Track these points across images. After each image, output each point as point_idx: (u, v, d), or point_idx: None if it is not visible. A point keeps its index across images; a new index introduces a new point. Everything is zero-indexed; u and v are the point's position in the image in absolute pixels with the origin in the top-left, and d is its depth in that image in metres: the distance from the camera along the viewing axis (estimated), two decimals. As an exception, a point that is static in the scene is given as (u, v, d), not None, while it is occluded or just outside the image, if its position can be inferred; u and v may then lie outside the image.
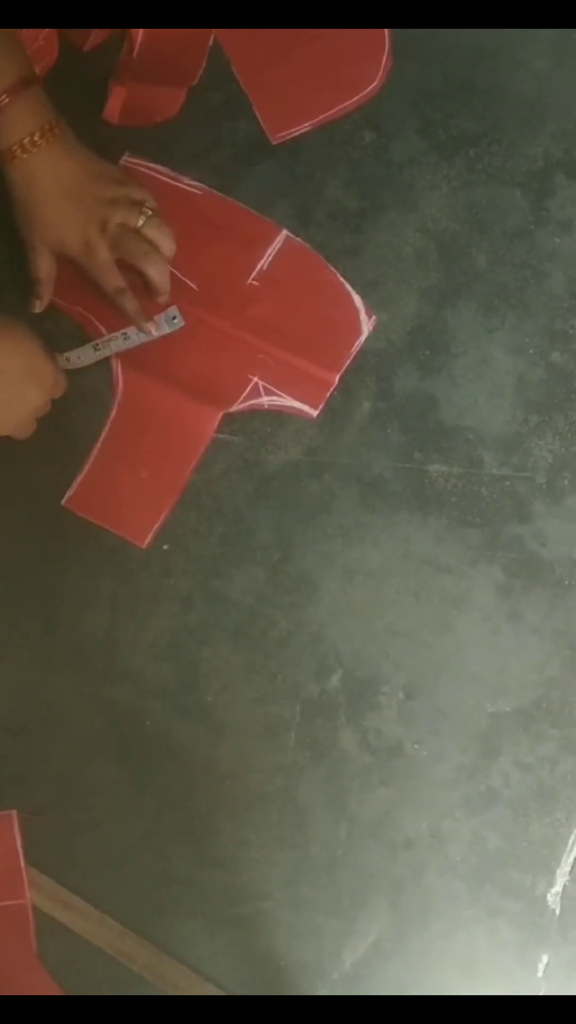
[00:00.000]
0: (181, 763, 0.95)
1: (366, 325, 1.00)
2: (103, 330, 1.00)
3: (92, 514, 0.98)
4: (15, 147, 0.89)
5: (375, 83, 1.03)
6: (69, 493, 0.99)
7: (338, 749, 0.95)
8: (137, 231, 0.95)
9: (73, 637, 0.97)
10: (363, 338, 0.99)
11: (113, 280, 0.96)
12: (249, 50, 1.04)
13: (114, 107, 1.03)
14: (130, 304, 0.96)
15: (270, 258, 1.01)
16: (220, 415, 0.99)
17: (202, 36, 1.04)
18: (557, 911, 0.92)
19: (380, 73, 1.03)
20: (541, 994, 0.92)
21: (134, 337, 0.98)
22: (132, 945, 0.93)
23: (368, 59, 1.04)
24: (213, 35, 1.04)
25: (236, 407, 0.99)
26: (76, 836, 0.95)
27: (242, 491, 0.99)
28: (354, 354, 0.99)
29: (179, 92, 1.04)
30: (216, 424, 0.99)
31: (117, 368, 0.99)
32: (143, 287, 0.97)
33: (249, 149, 1.03)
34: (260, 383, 0.99)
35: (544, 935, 0.92)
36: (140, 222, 0.95)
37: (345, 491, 0.98)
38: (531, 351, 0.99)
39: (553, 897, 0.92)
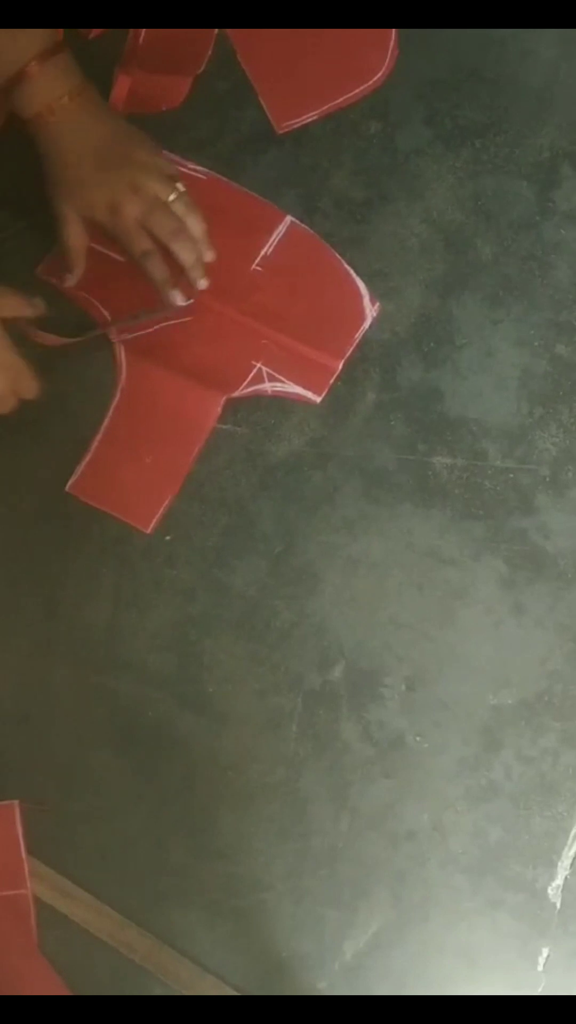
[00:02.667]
0: (183, 754, 0.95)
1: (370, 311, 0.99)
2: (108, 316, 0.99)
3: (96, 500, 0.98)
4: (44, 111, 0.88)
5: (381, 72, 1.03)
6: (72, 479, 0.98)
7: (340, 741, 0.95)
8: (167, 205, 0.92)
9: (75, 627, 0.97)
10: (367, 324, 0.99)
11: (141, 243, 0.93)
12: (255, 39, 1.04)
13: (119, 95, 1.02)
14: (157, 269, 0.93)
15: (274, 244, 1.00)
16: (223, 400, 0.98)
17: (207, 24, 1.03)
18: (558, 904, 0.92)
19: (386, 63, 1.03)
20: (541, 987, 0.92)
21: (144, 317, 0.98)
22: (132, 935, 0.93)
23: (374, 48, 1.03)
24: (219, 23, 1.04)
25: (239, 392, 0.98)
26: (77, 826, 0.95)
27: (245, 482, 0.99)
28: (358, 340, 0.99)
29: (184, 81, 1.04)
30: (220, 409, 0.99)
31: (120, 354, 0.99)
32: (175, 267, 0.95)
33: (254, 138, 1.03)
34: (264, 369, 0.99)
35: (545, 928, 0.92)
36: (171, 196, 0.92)
37: (348, 482, 0.98)
38: (536, 343, 0.99)
39: (554, 890, 0.92)
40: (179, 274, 0.95)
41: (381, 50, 1.03)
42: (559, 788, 0.93)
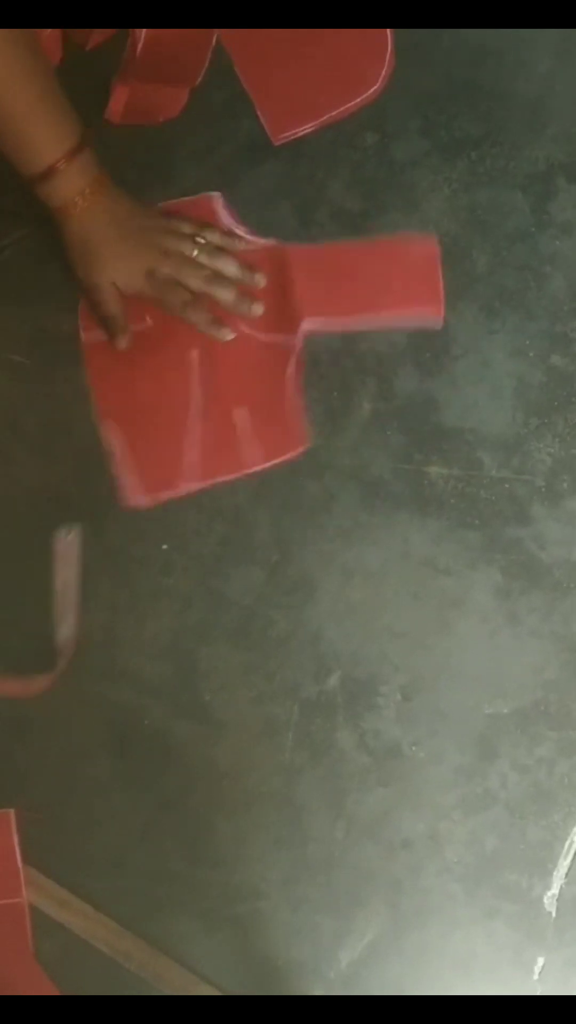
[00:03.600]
0: (179, 762, 0.95)
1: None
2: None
3: None
4: (68, 204, 0.92)
5: (378, 84, 1.03)
6: None
7: (336, 749, 0.95)
8: (193, 260, 0.97)
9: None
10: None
11: (179, 295, 0.97)
12: (251, 50, 1.04)
13: (116, 107, 1.03)
14: (198, 315, 0.97)
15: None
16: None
17: (205, 36, 1.03)
18: (553, 913, 0.92)
19: (383, 74, 1.03)
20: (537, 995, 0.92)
21: None
22: (129, 944, 0.93)
23: (371, 60, 1.04)
24: (216, 35, 1.04)
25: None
26: (73, 835, 0.95)
27: (242, 491, 0.99)
28: None
29: (181, 92, 1.04)
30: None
31: None
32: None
33: (251, 149, 1.03)
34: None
35: (540, 937, 0.92)
36: (195, 251, 0.97)
37: (345, 492, 0.98)
38: (531, 354, 0.99)
39: (549, 899, 0.93)
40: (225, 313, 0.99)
41: (378, 62, 1.03)
42: (555, 797, 0.94)
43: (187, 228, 0.98)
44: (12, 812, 0.94)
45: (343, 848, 0.94)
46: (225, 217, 1.02)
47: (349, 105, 1.03)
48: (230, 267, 0.98)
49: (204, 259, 0.97)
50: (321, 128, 1.03)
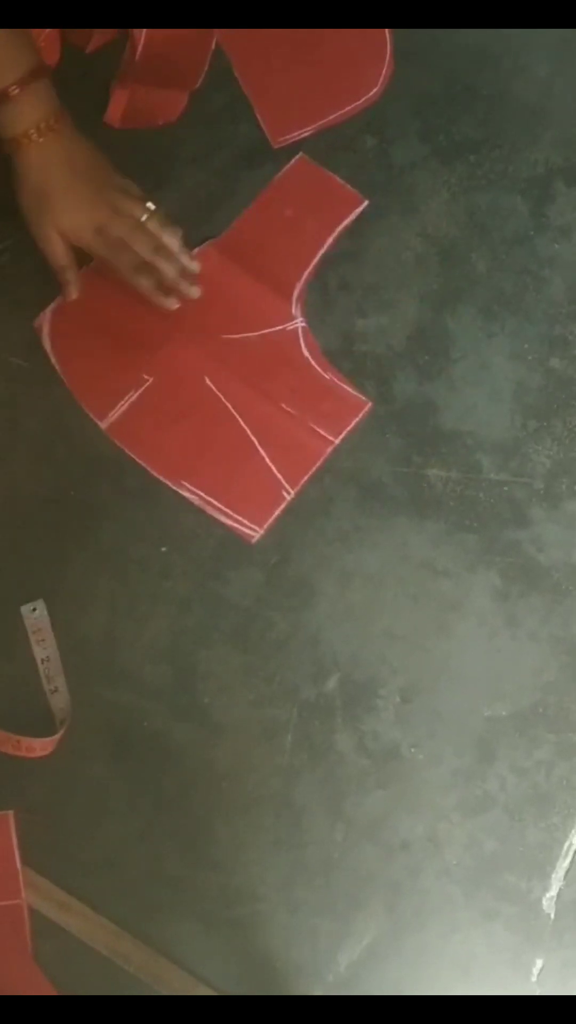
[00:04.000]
0: (178, 764, 0.95)
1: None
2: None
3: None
4: (21, 137, 0.90)
5: (377, 88, 1.04)
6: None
7: (335, 752, 0.95)
8: (144, 225, 0.94)
9: (71, 638, 0.97)
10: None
11: (131, 257, 0.94)
12: (251, 54, 1.05)
13: (115, 110, 1.03)
14: (147, 280, 0.95)
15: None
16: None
17: (204, 40, 1.04)
18: (552, 915, 0.93)
19: (382, 78, 1.04)
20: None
21: None
22: (127, 946, 0.93)
23: (370, 64, 1.04)
24: (215, 38, 1.04)
25: None
26: (72, 837, 0.95)
27: (241, 494, 0.99)
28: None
29: (181, 95, 1.04)
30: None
31: None
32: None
33: (250, 152, 1.04)
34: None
35: (539, 939, 0.92)
36: (145, 216, 0.94)
37: (344, 494, 0.98)
38: (530, 357, 0.99)
39: (548, 901, 0.93)
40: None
41: (376, 65, 1.04)
42: (553, 799, 0.94)
43: (137, 190, 0.96)
44: (11, 813, 0.94)
45: (342, 850, 0.94)
46: None
47: (348, 108, 1.03)
48: (175, 239, 0.96)
49: (153, 225, 0.95)
50: (320, 131, 1.03)
